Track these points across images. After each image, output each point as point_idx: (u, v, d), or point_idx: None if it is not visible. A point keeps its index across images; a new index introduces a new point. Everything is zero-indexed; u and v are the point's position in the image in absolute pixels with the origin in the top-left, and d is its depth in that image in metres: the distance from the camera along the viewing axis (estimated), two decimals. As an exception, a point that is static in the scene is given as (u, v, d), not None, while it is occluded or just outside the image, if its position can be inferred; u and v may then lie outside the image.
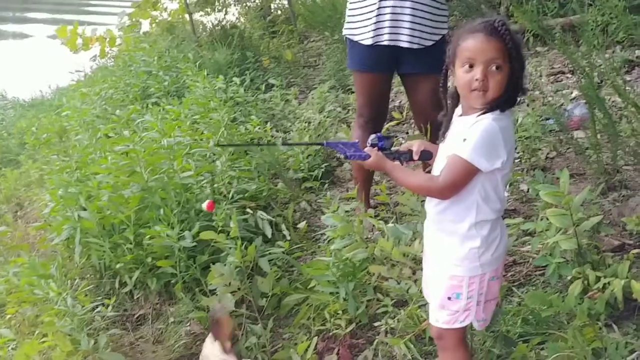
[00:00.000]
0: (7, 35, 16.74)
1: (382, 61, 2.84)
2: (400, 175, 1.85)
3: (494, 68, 1.63)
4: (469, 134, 1.66)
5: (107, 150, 3.18)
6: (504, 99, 1.66)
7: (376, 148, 1.90)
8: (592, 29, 4.00)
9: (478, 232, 1.73)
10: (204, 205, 2.52)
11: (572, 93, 4.25)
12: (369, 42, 2.78)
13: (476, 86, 1.64)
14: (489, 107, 1.66)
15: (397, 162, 1.89)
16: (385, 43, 2.75)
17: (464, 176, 1.69)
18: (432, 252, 1.89)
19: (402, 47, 2.74)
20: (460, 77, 1.67)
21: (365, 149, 1.91)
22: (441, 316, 1.84)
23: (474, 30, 1.67)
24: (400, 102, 4.68)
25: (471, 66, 1.64)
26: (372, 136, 1.92)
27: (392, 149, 1.93)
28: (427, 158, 1.93)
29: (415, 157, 1.92)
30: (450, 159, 1.70)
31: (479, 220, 1.73)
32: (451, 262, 1.78)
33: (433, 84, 2.90)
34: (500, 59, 1.62)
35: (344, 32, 2.94)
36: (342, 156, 1.96)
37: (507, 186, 3.16)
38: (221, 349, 2.39)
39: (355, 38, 2.83)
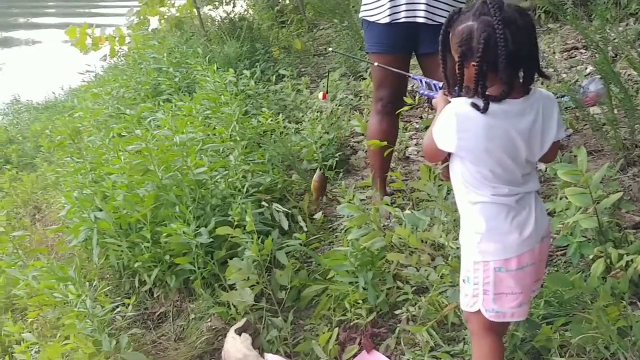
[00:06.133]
0: (20, 42, 16.90)
1: (400, 41, 2.82)
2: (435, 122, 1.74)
3: None
4: None
5: (119, 150, 3.18)
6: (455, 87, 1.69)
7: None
8: (604, 2, 3.93)
9: (478, 215, 1.68)
10: (320, 95, 2.86)
11: (586, 69, 4.18)
12: (386, 20, 2.77)
13: None
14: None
15: None
16: (402, 20, 2.74)
17: (430, 145, 1.69)
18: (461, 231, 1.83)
19: (418, 22, 2.72)
20: None
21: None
22: (460, 297, 1.82)
23: None
24: (412, 86, 4.63)
25: None
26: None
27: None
28: None
29: None
30: None
31: (475, 202, 1.68)
32: (462, 244, 1.76)
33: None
34: (443, 48, 1.73)
35: (360, 14, 2.93)
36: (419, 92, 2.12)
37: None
38: (245, 343, 2.40)
39: (372, 18, 2.81)
